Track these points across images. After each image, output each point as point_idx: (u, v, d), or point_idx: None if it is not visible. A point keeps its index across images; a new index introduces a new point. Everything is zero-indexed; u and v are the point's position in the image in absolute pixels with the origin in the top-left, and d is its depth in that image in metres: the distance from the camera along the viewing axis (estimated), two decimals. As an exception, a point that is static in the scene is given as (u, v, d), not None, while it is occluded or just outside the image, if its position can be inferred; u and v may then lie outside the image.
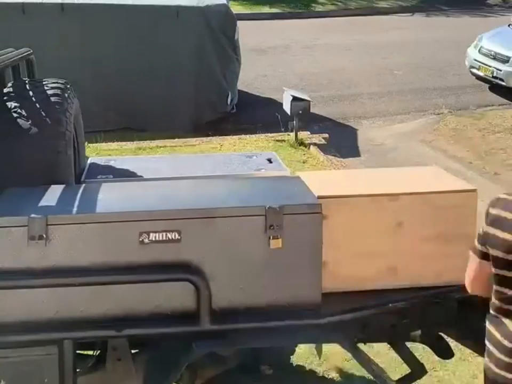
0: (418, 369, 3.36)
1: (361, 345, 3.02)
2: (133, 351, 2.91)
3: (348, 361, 4.33)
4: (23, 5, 8.66)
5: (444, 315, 2.94)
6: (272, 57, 13.10)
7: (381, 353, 4.36)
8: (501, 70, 10.82)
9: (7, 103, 3.11)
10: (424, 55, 13.17)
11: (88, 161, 3.72)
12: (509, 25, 12.01)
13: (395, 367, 4.20)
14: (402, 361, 3.46)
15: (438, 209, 2.79)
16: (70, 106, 3.23)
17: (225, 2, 9.53)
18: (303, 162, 7.96)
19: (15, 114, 3.04)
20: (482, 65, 11.15)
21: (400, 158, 8.47)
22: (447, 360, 3.78)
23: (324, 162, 8.01)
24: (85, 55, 8.76)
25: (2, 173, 2.93)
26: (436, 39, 14.47)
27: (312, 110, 8.67)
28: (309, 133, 8.92)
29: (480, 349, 3.12)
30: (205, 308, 2.60)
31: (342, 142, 8.92)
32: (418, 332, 2.98)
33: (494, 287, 2.32)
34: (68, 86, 3.33)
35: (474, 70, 11.43)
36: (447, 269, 2.83)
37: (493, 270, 2.31)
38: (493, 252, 2.30)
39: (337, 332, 2.72)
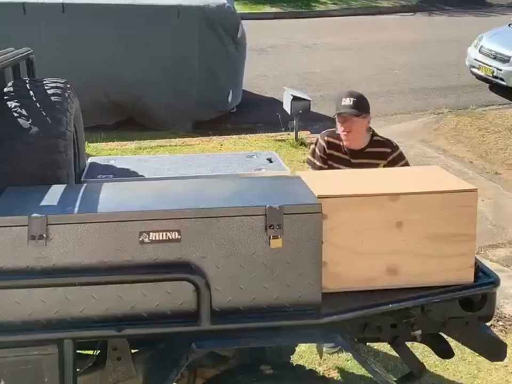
0: (418, 369, 3.36)
1: (361, 345, 3.02)
2: (133, 351, 2.92)
3: (348, 361, 4.34)
4: (23, 4, 8.67)
5: (444, 315, 2.94)
6: (272, 56, 13.11)
7: (381, 353, 4.37)
8: (501, 70, 10.83)
9: (7, 103, 3.11)
10: (425, 55, 13.18)
11: (88, 161, 3.72)
12: (509, 25, 12.01)
13: (395, 366, 4.21)
14: (402, 361, 3.46)
15: (438, 209, 2.78)
16: (70, 106, 3.23)
17: (225, 1, 9.53)
18: (303, 162, 7.96)
19: (15, 114, 3.04)
20: (482, 64, 11.15)
21: (400, 158, 8.45)
22: (447, 360, 3.79)
23: (324, 161, 8.00)
24: (85, 54, 8.77)
25: (2, 173, 2.92)
26: (436, 39, 14.47)
27: (312, 110, 8.68)
28: (309, 132, 8.93)
29: (480, 349, 3.13)
30: (205, 307, 2.60)
31: (342, 141, 8.91)
32: (419, 332, 2.98)
33: None
34: (68, 86, 3.33)
35: (474, 70, 11.43)
36: (447, 269, 2.83)
37: None
38: None
39: (338, 331, 2.71)
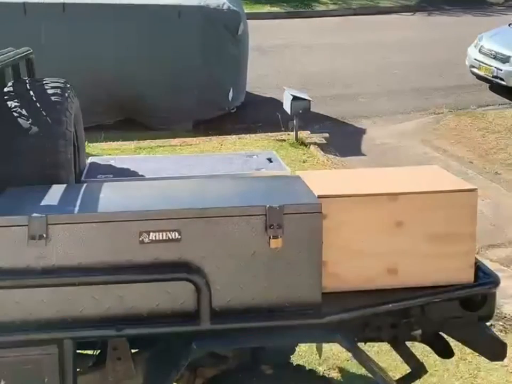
0: (418, 369, 3.36)
1: (361, 345, 3.02)
2: (133, 351, 2.92)
3: (348, 361, 4.33)
4: (24, 4, 8.67)
5: (444, 315, 2.94)
6: (272, 56, 13.11)
7: (381, 353, 4.36)
8: (501, 70, 10.82)
9: (7, 103, 3.11)
10: (425, 55, 13.17)
11: (88, 161, 3.72)
12: (509, 25, 12.01)
13: (395, 366, 4.21)
14: (403, 361, 3.46)
15: (438, 209, 2.78)
16: (70, 106, 3.23)
17: (225, 0, 9.53)
18: (303, 162, 7.96)
19: (15, 114, 3.04)
20: (482, 64, 11.15)
21: (400, 158, 8.47)
22: (447, 360, 3.79)
23: (324, 161, 8.02)
24: (85, 54, 8.77)
25: (2, 173, 2.92)
26: (436, 39, 14.46)
27: (312, 110, 8.67)
28: (309, 132, 8.94)
29: (480, 349, 3.13)
30: (205, 307, 2.60)
31: (342, 141, 8.93)
32: (419, 332, 2.98)
33: None
34: (68, 86, 3.33)
35: (474, 70, 11.42)
36: (447, 268, 2.83)
37: None
38: None
39: (338, 331, 2.71)
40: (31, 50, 3.75)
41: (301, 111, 8.38)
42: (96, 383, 2.98)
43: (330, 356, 4.39)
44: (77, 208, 2.64)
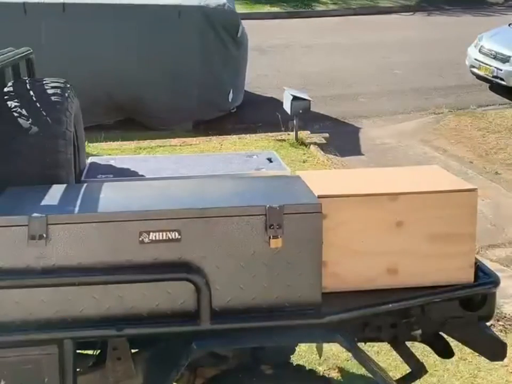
0: (418, 369, 3.36)
1: (361, 345, 3.03)
2: (133, 351, 2.92)
3: (348, 361, 4.34)
4: (24, 4, 8.67)
5: (444, 315, 2.94)
6: (272, 56, 13.11)
7: (381, 353, 4.37)
8: (501, 70, 10.83)
9: (7, 103, 3.11)
10: (425, 55, 13.18)
11: (88, 161, 3.72)
12: (509, 25, 12.01)
13: (395, 366, 4.21)
14: (403, 361, 3.46)
15: (438, 209, 2.78)
16: (70, 106, 3.22)
17: (225, 0, 9.54)
18: (303, 162, 7.97)
19: (15, 114, 3.04)
20: (482, 64, 11.16)
21: (400, 158, 8.48)
22: (447, 360, 3.79)
23: (324, 161, 8.02)
24: (85, 54, 8.77)
25: (2, 173, 2.92)
26: (436, 39, 14.47)
27: (312, 110, 8.68)
28: (309, 132, 8.94)
29: (480, 349, 3.13)
30: (205, 307, 2.60)
31: (342, 141, 8.93)
32: (419, 332, 2.98)
33: None
34: (68, 86, 3.33)
35: (474, 70, 11.43)
36: (447, 268, 2.83)
37: None
38: None
39: (338, 331, 2.71)
40: (31, 50, 3.75)
41: (301, 111, 8.39)
42: (96, 383, 2.98)
43: (330, 356, 4.39)
44: (77, 208, 2.64)
